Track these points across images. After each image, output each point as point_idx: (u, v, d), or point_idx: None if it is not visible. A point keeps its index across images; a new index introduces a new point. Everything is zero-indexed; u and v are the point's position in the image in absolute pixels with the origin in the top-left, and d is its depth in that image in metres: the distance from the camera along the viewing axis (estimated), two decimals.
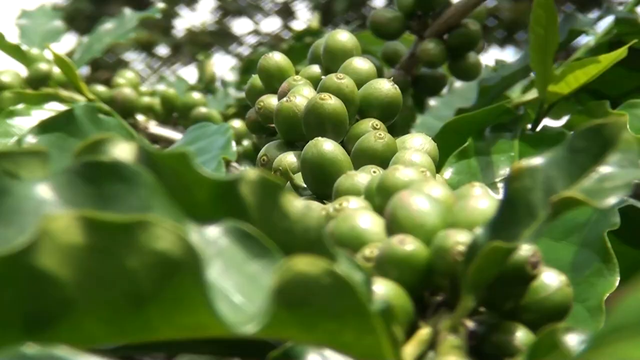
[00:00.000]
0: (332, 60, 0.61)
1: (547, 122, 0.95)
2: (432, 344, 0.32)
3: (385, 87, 0.56)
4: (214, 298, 0.25)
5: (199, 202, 0.28)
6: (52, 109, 0.78)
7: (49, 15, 1.03)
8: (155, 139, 0.96)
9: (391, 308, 0.29)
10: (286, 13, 3.63)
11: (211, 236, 0.27)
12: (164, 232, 0.24)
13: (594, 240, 0.59)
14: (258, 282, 0.27)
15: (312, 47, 0.65)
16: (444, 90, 1.10)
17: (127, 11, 1.03)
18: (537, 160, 0.31)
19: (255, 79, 0.63)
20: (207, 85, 1.28)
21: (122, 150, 0.27)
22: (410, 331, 0.33)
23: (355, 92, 0.56)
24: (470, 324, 0.33)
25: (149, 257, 0.24)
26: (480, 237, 0.31)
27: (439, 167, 0.70)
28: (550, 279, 0.35)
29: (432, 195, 0.35)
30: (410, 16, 0.82)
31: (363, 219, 0.36)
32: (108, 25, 1.03)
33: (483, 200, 0.34)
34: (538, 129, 0.75)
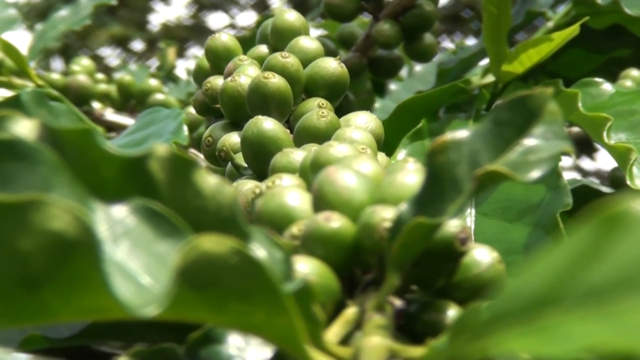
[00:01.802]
0: (280, 39, 0.60)
1: None
2: (359, 324, 0.31)
3: (332, 65, 0.56)
4: (114, 279, 0.24)
5: (106, 180, 0.27)
6: (0, 95, 0.77)
7: (3, 4, 1.01)
8: (111, 126, 0.94)
9: (309, 287, 0.28)
10: (262, 7, 3.60)
11: (118, 215, 0.26)
12: (58, 212, 0.23)
13: (547, 222, 0.59)
14: (167, 262, 0.26)
15: (260, 27, 0.63)
16: (404, 74, 1.09)
17: None
18: (461, 134, 0.30)
19: (202, 60, 0.62)
20: (168, 73, 1.27)
21: (23, 128, 0.26)
22: (338, 310, 0.32)
23: (300, 71, 0.55)
24: (398, 302, 0.33)
25: (43, 238, 0.23)
26: (405, 213, 0.31)
27: (393, 148, 0.70)
28: (482, 256, 0.34)
29: (361, 170, 0.35)
30: None
31: (291, 196, 0.35)
32: (62, 13, 1.01)
33: (411, 176, 0.33)
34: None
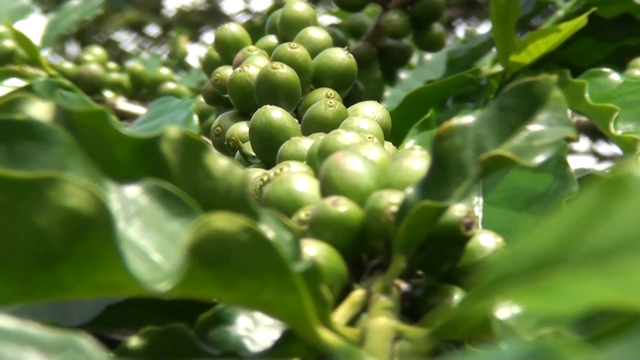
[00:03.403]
0: (288, 30, 0.60)
1: None
2: (366, 306, 0.32)
3: (340, 56, 0.56)
4: (128, 256, 0.24)
5: (119, 161, 0.28)
6: (12, 85, 0.78)
7: None
8: (123, 115, 0.95)
9: (317, 268, 0.28)
10: None
11: (131, 195, 0.27)
12: (74, 189, 0.23)
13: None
14: (178, 241, 0.27)
15: (269, 18, 0.64)
16: (415, 63, 1.09)
17: None
18: (467, 119, 0.31)
19: (212, 51, 0.63)
20: (180, 61, 1.27)
21: (39, 110, 0.27)
22: (346, 293, 0.33)
23: (308, 61, 0.55)
24: (404, 285, 0.33)
25: (59, 215, 0.23)
26: (411, 197, 0.31)
27: (401, 138, 0.70)
28: (487, 241, 0.34)
29: (368, 156, 0.35)
30: None
31: (299, 181, 0.36)
32: (75, 2, 1.02)
33: (417, 161, 0.34)
34: None
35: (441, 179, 0.31)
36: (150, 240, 0.26)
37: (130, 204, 0.27)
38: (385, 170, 0.35)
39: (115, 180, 0.27)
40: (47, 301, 0.25)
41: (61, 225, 0.23)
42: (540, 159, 0.30)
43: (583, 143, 1.68)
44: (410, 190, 0.31)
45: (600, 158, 1.67)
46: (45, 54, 0.95)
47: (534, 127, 0.30)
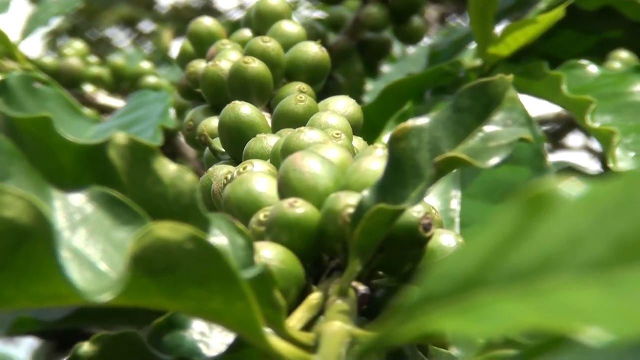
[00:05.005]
0: (263, 23, 0.60)
1: None
2: (323, 309, 0.32)
3: (313, 50, 0.56)
4: (69, 266, 0.24)
5: (65, 168, 0.27)
6: None
7: None
8: (104, 109, 0.94)
9: (269, 274, 0.28)
10: None
11: (76, 203, 0.26)
12: (12, 200, 0.23)
13: None
14: (125, 250, 0.26)
15: (246, 12, 0.64)
16: (398, 55, 1.09)
17: None
18: (422, 120, 0.31)
19: (187, 44, 0.63)
20: (164, 56, 1.27)
21: None
22: (304, 295, 0.33)
23: (281, 56, 0.55)
24: (362, 288, 0.33)
25: None
26: (367, 199, 0.31)
27: (379, 131, 0.70)
28: (448, 241, 0.34)
29: (327, 157, 0.35)
30: None
31: (259, 182, 0.35)
32: None
33: (375, 162, 0.33)
34: None
35: (397, 180, 0.30)
36: (95, 249, 0.26)
37: (75, 213, 0.26)
38: (345, 171, 0.34)
39: (60, 188, 0.26)
40: None
41: None
42: (495, 160, 0.29)
43: (577, 139, 1.68)
44: (366, 193, 0.31)
45: (595, 154, 1.66)
46: (37, 49, 0.94)
47: (489, 128, 0.30)
